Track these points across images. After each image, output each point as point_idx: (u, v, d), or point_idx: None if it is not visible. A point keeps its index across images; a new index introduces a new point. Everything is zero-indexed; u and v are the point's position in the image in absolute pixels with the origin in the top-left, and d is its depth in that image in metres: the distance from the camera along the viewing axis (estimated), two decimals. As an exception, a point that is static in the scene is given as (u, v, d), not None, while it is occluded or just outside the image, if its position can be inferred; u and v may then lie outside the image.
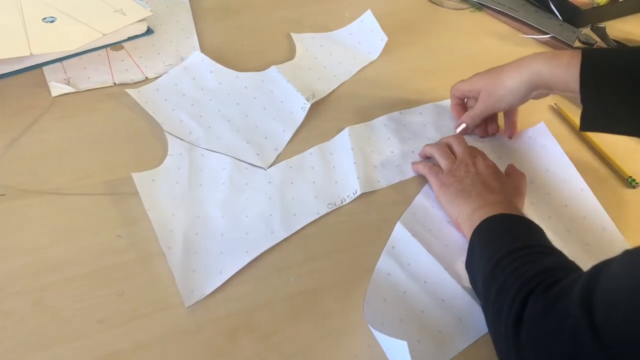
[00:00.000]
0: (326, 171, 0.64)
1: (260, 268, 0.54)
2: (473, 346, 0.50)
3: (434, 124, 0.71)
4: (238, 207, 0.59)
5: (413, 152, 0.67)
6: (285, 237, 0.56)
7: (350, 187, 0.62)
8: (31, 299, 0.49)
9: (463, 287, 0.53)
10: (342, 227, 0.59)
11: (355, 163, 0.64)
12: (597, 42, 0.87)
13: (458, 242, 0.57)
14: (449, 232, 0.58)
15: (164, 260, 0.53)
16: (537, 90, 0.61)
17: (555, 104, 0.76)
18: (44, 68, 0.70)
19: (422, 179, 0.64)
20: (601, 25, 0.89)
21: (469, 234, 0.54)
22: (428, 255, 0.55)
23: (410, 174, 0.65)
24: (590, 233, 0.60)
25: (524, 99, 0.62)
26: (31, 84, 0.69)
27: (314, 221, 0.58)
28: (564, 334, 0.38)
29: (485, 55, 0.85)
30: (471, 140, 0.68)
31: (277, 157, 0.65)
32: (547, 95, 0.62)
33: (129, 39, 0.75)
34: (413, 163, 0.65)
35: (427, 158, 0.66)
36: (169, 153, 0.63)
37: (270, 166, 0.64)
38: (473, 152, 0.63)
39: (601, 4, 0.92)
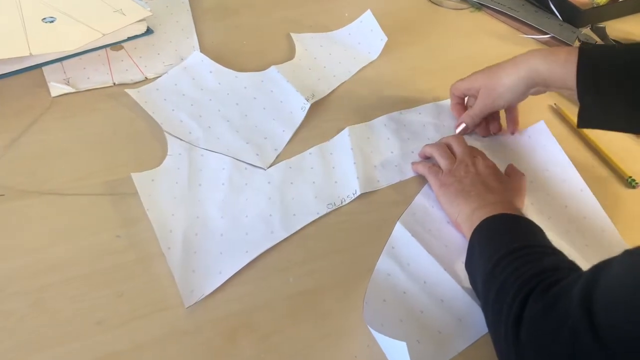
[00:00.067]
0: (326, 171, 0.64)
1: (260, 268, 0.54)
2: (473, 346, 0.50)
3: (434, 124, 0.71)
4: (238, 207, 0.59)
5: (413, 152, 0.67)
6: (285, 237, 0.56)
7: (350, 187, 0.62)
8: (30, 299, 0.49)
9: (463, 287, 0.53)
10: (341, 227, 0.59)
11: (355, 163, 0.64)
12: (597, 42, 0.87)
13: (458, 243, 0.57)
14: (449, 233, 0.58)
15: (164, 261, 0.53)
16: (535, 87, 0.61)
17: (555, 104, 0.76)
18: (44, 68, 0.70)
19: (421, 179, 0.64)
20: (601, 25, 0.89)
21: (468, 234, 0.54)
22: (428, 256, 0.55)
23: (410, 174, 0.65)
24: (589, 233, 0.60)
25: (522, 96, 0.62)
26: (31, 84, 0.69)
27: (313, 221, 0.58)
28: (563, 334, 0.38)
29: (485, 55, 0.84)
30: (471, 140, 0.68)
31: (276, 157, 0.65)
32: (545, 91, 0.62)
33: (129, 39, 0.74)
34: (413, 163, 0.65)
35: (427, 158, 0.66)
36: (168, 153, 0.63)
37: (270, 166, 0.64)
38: (473, 152, 0.63)
39: (601, 4, 0.92)
